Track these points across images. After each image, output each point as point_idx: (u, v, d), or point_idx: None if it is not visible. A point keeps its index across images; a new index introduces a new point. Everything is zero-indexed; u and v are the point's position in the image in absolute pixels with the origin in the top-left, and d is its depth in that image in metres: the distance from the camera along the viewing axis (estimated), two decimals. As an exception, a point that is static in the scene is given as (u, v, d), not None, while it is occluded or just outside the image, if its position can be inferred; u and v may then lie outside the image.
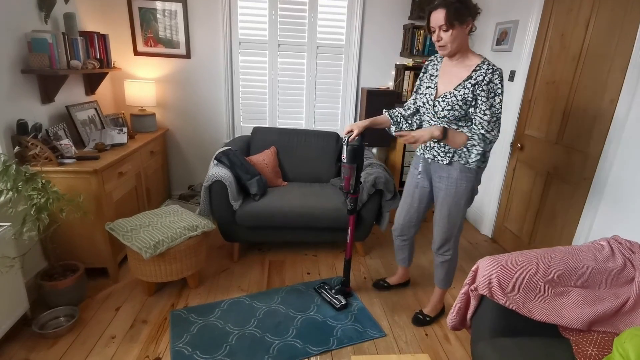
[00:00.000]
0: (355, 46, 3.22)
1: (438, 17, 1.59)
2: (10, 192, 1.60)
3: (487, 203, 3.20)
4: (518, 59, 2.79)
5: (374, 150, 3.38)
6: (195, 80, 3.21)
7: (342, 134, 1.91)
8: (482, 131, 1.67)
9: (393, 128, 1.96)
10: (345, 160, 1.90)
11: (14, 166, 1.56)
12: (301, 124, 3.44)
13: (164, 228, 2.15)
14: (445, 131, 1.67)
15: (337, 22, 3.19)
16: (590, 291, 1.47)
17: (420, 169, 1.93)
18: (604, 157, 2.05)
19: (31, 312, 1.94)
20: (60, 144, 2.15)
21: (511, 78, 2.87)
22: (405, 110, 1.97)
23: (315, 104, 3.39)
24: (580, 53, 2.27)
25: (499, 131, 1.69)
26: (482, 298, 1.48)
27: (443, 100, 1.71)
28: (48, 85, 2.24)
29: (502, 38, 2.97)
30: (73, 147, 2.22)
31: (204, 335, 1.92)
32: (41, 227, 1.69)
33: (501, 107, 1.65)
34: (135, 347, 1.84)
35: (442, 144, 1.77)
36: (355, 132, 1.83)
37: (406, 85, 3.22)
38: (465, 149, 1.71)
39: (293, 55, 3.23)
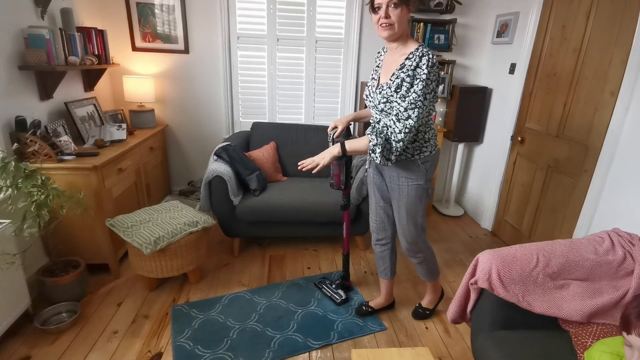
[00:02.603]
0: (354, 40, 3.20)
1: None
2: (10, 189, 1.60)
3: (487, 196, 3.19)
4: (519, 52, 2.78)
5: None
6: (194, 75, 3.20)
7: (328, 130, 1.87)
8: (394, 119, 1.53)
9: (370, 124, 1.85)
10: None
11: (13, 163, 1.56)
12: (300, 118, 3.43)
13: (164, 224, 2.15)
14: (343, 146, 1.61)
15: (336, 16, 3.16)
16: (590, 284, 1.48)
17: (370, 166, 1.86)
18: (605, 150, 2.04)
19: (33, 308, 1.95)
20: (60, 141, 2.15)
21: (511, 71, 2.86)
22: None
23: (314, 98, 3.38)
24: (581, 45, 2.25)
25: (413, 121, 1.50)
26: (482, 291, 1.48)
27: (379, 93, 1.61)
28: (46, 81, 2.23)
29: (503, 30, 2.94)
30: (72, 144, 2.22)
31: (205, 330, 1.93)
32: (41, 224, 1.69)
33: (423, 96, 1.48)
34: (137, 342, 1.85)
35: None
36: (339, 128, 1.81)
37: (406, 79, 3.19)
38: (370, 151, 1.56)
39: (292, 49, 3.21)
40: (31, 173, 1.63)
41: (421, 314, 2.09)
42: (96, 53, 2.63)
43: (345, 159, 1.84)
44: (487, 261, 1.42)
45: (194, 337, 1.88)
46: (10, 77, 2.01)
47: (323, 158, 1.64)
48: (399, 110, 1.52)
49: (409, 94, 1.50)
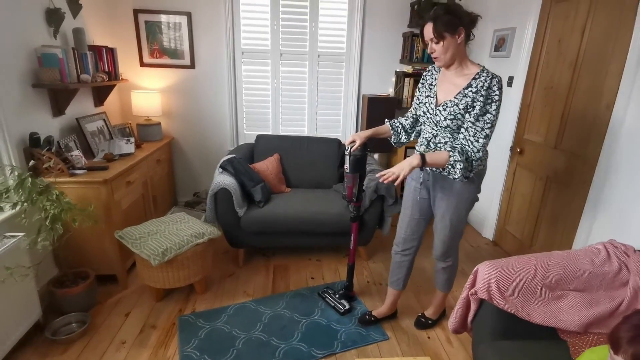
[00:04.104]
0: (355, 54, 3.28)
1: (428, 30, 1.62)
2: (25, 204, 1.67)
3: (488, 206, 3.23)
4: (516, 65, 2.84)
5: (376, 155, 3.43)
6: (199, 89, 3.29)
7: (346, 144, 1.90)
8: (466, 141, 1.65)
9: (393, 139, 1.97)
10: (347, 170, 1.92)
11: (30, 179, 1.63)
12: (303, 130, 3.50)
13: (171, 235, 2.21)
14: (423, 157, 1.63)
15: (337, 31, 3.25)
16: (587, 294, 1.51)
17: (421, 181, 1.89)
18: (601, 161, 2.09)
19: (43, 318, 2.00)
20: (72, 155, 2.22)
21: (509, 84, 2.92)
22: (405, 119, 1.96)
23: (317, 111, 3.46)
24: (577, 59, 2.31)
25: (488, 139, 1.64)
26: (482, 302, 1.52)
27: (444, 109, 1.69)
28: (59, 98, 2.32)
29: (500, 45, 3.02)
30: (83, 158, 2.29)
31: (212, 340, 1.97)
32: (55, 237, 1.75)
33: (496, 115, 1.62)
34: (145, 352, 1.90)
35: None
36: (357, 142, 1.85)
37: (406, 91, 3.27)
38: (449, 166, 1.64)
39: (295, 64, 3.30)
40: (46, 188, 1.70)
41: (423, 323, 2.13)
42: (106, 70, 2.73)
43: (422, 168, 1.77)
44: (486, 272, 1.46)
45: (200, 346, 1.92)
46: (24, 94, 2.09)
47: (402, 169, 1.61)
48: (476, 130, 1.63)
49: (485, 114, 1.62)
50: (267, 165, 2.96)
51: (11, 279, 1.67)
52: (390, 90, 3.44)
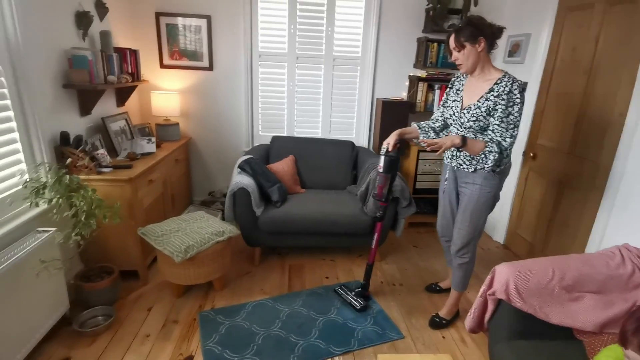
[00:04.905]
0: (370, 58, 3.34)
1: (451, 40, 1.84)
2: (60, 200, 1.74)
3: (499, 210, 3.27)
4: (530, 71, 2.89)
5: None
6: (217, 91, 3.36)
7: (383, 145, 2.03)
8: (499, 138, 1.80)
9: (421, 136, 2.12)
10: (381, 170, 2.05)
11: (67, 177, 1.70)
12: (317, 132, 3.56)
13: (192, 233, 2.27)
14: (464, 139, 1.80)
15: (353, 35, 3.31)
16: (602, 296, 1.56)
17: (447, 176, 2.09)
18: (615, 167, 2.13)
19: (70, 311, 2.07)
20: (97, 154, 2.30)
21: (523, 89, 2.96)
22: (433, 122, 2.13)
23: (331, 113, 3.52)
24: (591, 67, 2.36)
25: (514, 139, 1.81)
26: (499, 302, 1.57)
27: (468, 112, 1.87)
28: (87, 99, 2.40)
29: (514, 50, 3.06)
30: (108, 157, 2.36)
31: (232, 335, 2.03)
32: (87, 233, 1.82)
33: (519, 117, 1.78)
34: (169, 346, 1.96)
35: (467, 153, 1.90)
36: (391, 144, 1.98)
37: (420, 96, 3.32)
38: (483, 155, 1.83)
39: (311, 67, 3.36)
40: (80, 185, 1.77)
41: (438, 323, 2.18)
42: (130, 71, 2.80)
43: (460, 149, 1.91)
44: (504, 273, 1.51)
45: (221, 341, 1.98)
46: (56, 95, 2.17)
47: (444, 143, 1.77)
48: (502, 131, 1.79)
49: (508, 116, 1.78)
50: (283, 166, 3.03)
51: (46, 272, 1.74)
52: (403, 94, 3.49)
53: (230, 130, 3.47)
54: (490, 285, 1.58)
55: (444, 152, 1.84)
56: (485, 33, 1.77)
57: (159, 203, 2.76)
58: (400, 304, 2.39)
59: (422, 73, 3.30)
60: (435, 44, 3.20)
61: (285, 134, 3.53)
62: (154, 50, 3.19)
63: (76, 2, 2.33)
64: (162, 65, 3.24)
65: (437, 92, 3.32)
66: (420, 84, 3.29)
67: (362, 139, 3.59)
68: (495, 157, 1.80)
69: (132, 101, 3.18)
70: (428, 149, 1.80)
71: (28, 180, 1.82)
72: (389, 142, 1.98)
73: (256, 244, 2.71)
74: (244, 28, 3.18)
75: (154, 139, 2.74)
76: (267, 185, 2.70)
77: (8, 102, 1.83)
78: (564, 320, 1.50)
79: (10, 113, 1.85)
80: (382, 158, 2.01)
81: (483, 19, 1.81)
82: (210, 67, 3.28)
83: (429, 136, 2.13)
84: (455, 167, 2.02)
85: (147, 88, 3.27)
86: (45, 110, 2.07)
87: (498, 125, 1.79)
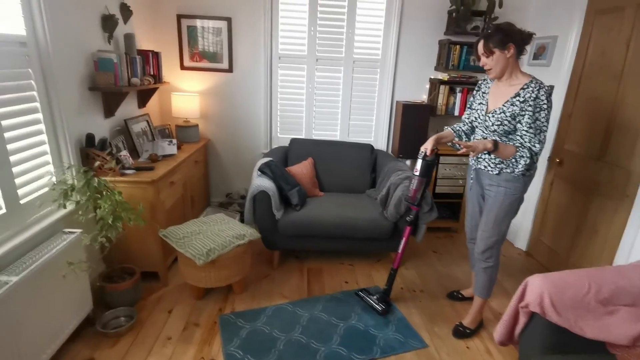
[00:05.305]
0: (391, 60, 3.30)
1: (480, 45, 1.83)
2: (88, 202, 1.75)
3: (521, 216, 3.20)
4: (557, 74, 2.81)
5: (408, 162, 3.43)
6: (236, 93, 3.36)
7: (421, 149, 2.03)
8: (528, 144, 1.78)
9: (456, 139, 2.12)
10: (417, 173, 2.06)
11: (96, 179, 1.71)
12: (336, 135, 3.54)
13: (214, 236, 2.27)
14: (496, 144, 1.78)
15: (373, 37, 3.28)
16: (637, 309, 1.50)
17: (472, 178, 2.09)
18: (649, 175, 2.06)
19: (92, 312, 2.08)
20: (121, 155, 2.31)
21: (550, 94, 2.89)
22: (463, 125, 2.14)
23: (350, 116, 3.49)
24: (622, 71, 2.28)
25: (543, 144, 1.79)
26: (532, 315, 1.52)
27: (493, 116, 1.87)
28: (111, 101, 2.42)
29: (540, 53, 2.99)
30: (130, 158, 2.38)
31: (253, 340, 2.02)
32: (114, 235, 1.83)
33: (547, 122, 1.76)
34: (191, 348, 1.96)
35: (492, 156, 1.89)
36: (429, 149, 1.97)
37: (441, 99, 3.27)
38: (514, 160, 1.83)
39: (330, 69, 3.34)
40: (107, 188, 1.78)
41: (462, 332, 2.13)
42: (152, 73, 2.82)
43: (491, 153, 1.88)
44: (538, 286, 1.47)
45: (243, 346, 1.98)
46: (82, 97, 2.19)
47: (477, 147, 1.77)
48: (531, 136, 1.77)
49: (536, 121, 1.76)
50: (302, 169, 3.01)
51: (73, 273, 1.75)
52: (424, 97, 3.44)
53: (249, 131, 3.47)
54: (522, 297, 1.53)
55: (476, 155, 1.82)
56: (514, 39, 1.76)
57: (179, 204, 2.77)
58: (421, 311, 2.35)
59: (443, 76, 3.25)
60: (458, 47, 3.14)
61: (303, 136, 3.51)
62: (175, 52, 3.21)
63: (102, 5, 2.35)
64: (183, 67, 3.25)
65: (459, 95, 3.26)
66: (442, 87, 3.24)
67: (381, 142, 3.55)
68: (527, 162, 1.79)
69: (153, 102, 3.20)
70: (463, 150, 1.78)
71: (56, 182, 1.84)
72: (427, 147, 1.97)
73: (275, 247, 2.70)
74: (264, 30, 3.17)
75: (175, 141, 2.75)
76: (287, 189, 2.68)
77: (37, 104, 1.86)
78: (599, 334, 1.44)
79: (40, 115, 1.87)
80: (420, 162, 2.02)
81: (512, 25, 1.79)
82: (230, 69, 3.29)
83: (462, 139, 2.13)
84: (480, 170, 2.00)
85: (167, 89, 3.29)
86: (72, 112, 2.09)
87: (526, 131, 1.78)
